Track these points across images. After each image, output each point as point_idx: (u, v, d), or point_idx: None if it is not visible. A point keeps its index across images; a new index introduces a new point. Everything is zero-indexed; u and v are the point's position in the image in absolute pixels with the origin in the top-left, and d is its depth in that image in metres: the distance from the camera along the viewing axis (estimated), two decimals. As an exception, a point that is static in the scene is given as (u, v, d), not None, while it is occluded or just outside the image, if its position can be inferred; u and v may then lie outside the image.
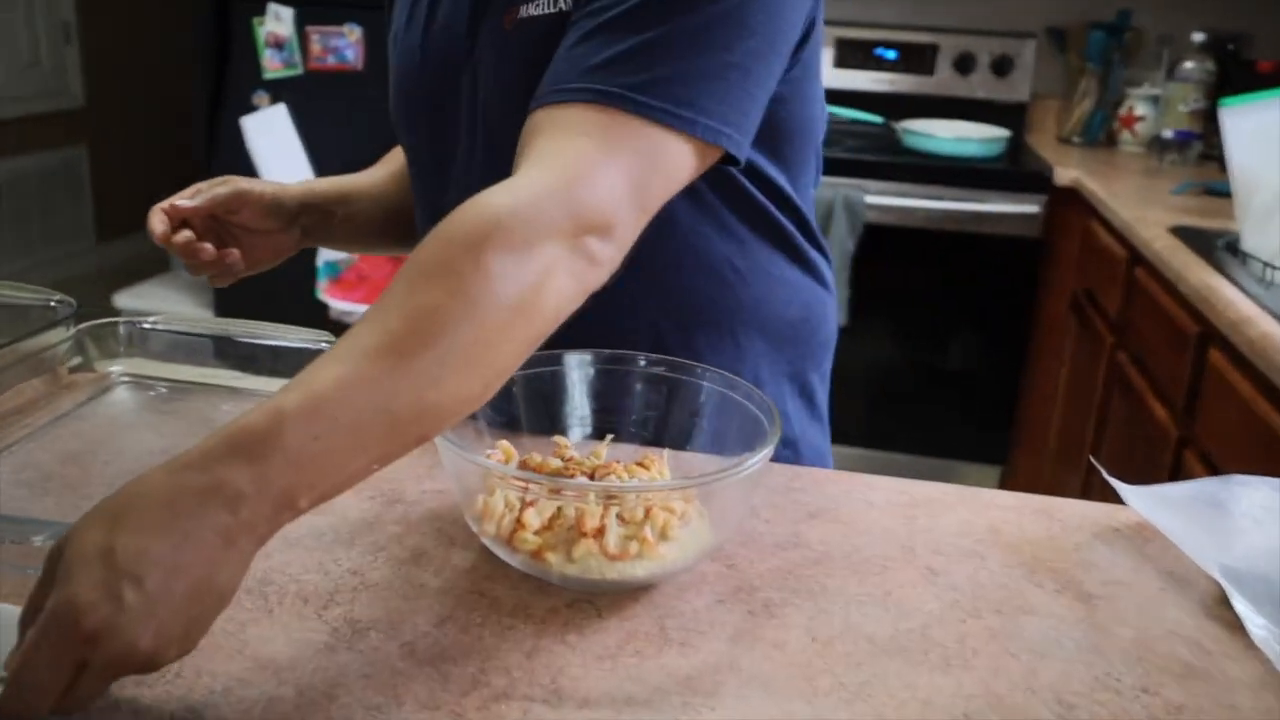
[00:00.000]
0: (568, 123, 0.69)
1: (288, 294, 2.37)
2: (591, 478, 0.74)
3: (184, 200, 0.94)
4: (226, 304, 2.65)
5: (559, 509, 0.71)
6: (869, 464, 2.65)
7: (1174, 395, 1.71)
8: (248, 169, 2.48)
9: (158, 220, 0.93)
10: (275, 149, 2.51)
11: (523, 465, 0.76)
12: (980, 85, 2.90)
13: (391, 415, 0.58)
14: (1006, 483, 2.67)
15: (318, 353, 0.98)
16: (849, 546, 0.79)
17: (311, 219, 1.03)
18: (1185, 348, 1.66)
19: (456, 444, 0.69)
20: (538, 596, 0.70)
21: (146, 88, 4.31)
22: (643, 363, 0.84)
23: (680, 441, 0.83)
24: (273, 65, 2.48)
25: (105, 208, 4.38)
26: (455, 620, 0.67)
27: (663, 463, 0.79)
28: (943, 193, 2.51)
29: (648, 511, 0.70)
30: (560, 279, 0.63)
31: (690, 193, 0.78)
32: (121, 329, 0.99)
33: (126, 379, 0.98)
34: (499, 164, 0.73)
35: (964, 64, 2.89)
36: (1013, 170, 2.55)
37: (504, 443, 0.78)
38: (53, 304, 1.00)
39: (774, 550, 0.77)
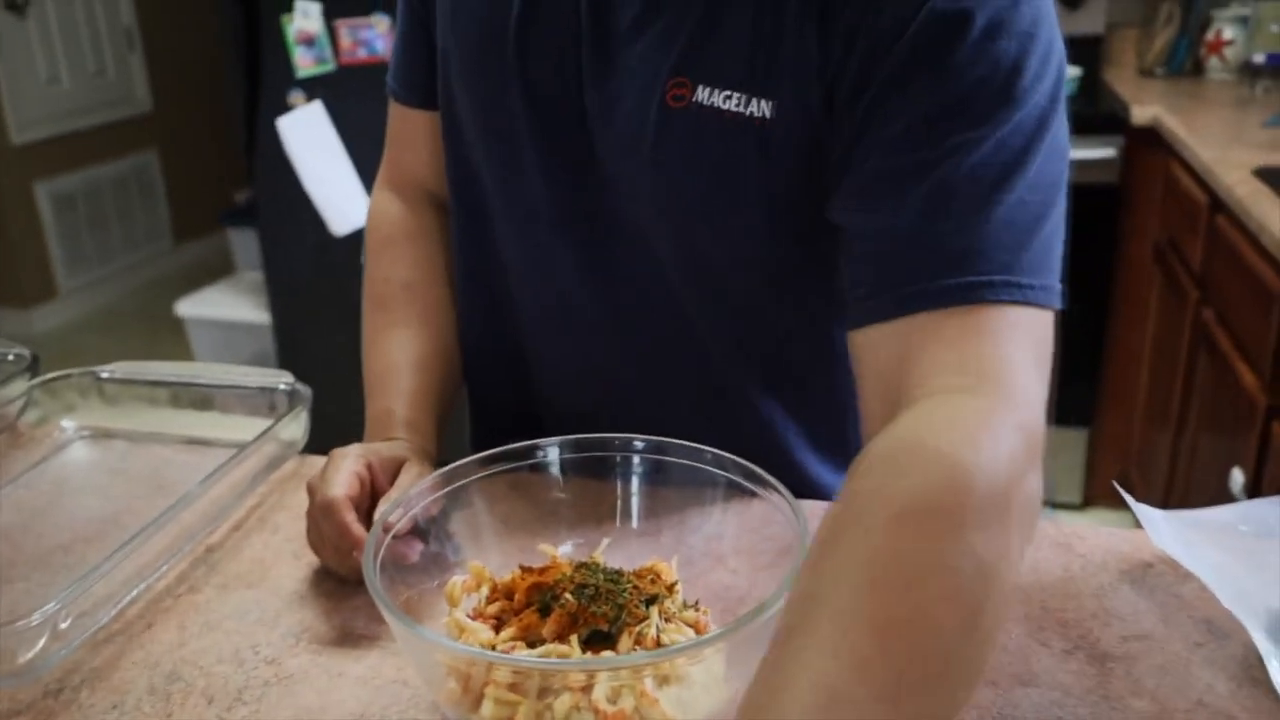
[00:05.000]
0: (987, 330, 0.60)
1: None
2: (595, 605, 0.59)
3: (392, 516, 0.65)
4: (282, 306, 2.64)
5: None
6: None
7: (1260, 360, 1.55)
8: (289, 171, 2.44)
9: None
10: (314, 149, 2.46)
11: (498, 591, 0.63)
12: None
13: None
14: (1095, 446, 2.50)
15: (275, 393, 0.93)
16: (827, 603, 0.69)
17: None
18: (1270, 308, 1.50)
19: (388, 600, 0.55)
20: (465, 683, 0.63)
21: (211, 88, 4.34)
22: (640, 445, 0.70)
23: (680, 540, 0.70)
24: (305, 63, 2.43)
25: (181, 210, 4.45)
26: (367, 720, 0.61)
27: (672, 569, 0.66)
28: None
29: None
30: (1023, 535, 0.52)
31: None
32: (76, 382, 0.94)
33: (85, 433, 0.94)
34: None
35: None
36: (1085, 111, 2.36)
37: (475, 564, 0.65)
38: (10, 357, 0.96)
39: (738, 607, 0.66)
